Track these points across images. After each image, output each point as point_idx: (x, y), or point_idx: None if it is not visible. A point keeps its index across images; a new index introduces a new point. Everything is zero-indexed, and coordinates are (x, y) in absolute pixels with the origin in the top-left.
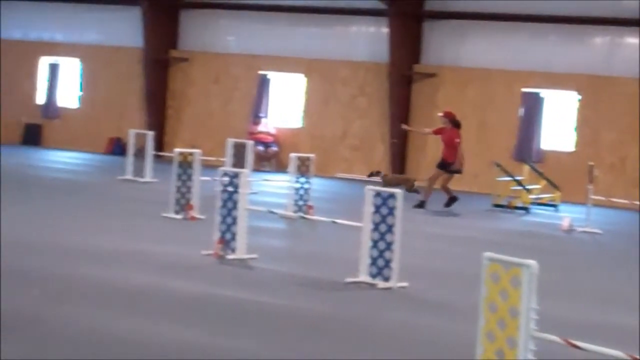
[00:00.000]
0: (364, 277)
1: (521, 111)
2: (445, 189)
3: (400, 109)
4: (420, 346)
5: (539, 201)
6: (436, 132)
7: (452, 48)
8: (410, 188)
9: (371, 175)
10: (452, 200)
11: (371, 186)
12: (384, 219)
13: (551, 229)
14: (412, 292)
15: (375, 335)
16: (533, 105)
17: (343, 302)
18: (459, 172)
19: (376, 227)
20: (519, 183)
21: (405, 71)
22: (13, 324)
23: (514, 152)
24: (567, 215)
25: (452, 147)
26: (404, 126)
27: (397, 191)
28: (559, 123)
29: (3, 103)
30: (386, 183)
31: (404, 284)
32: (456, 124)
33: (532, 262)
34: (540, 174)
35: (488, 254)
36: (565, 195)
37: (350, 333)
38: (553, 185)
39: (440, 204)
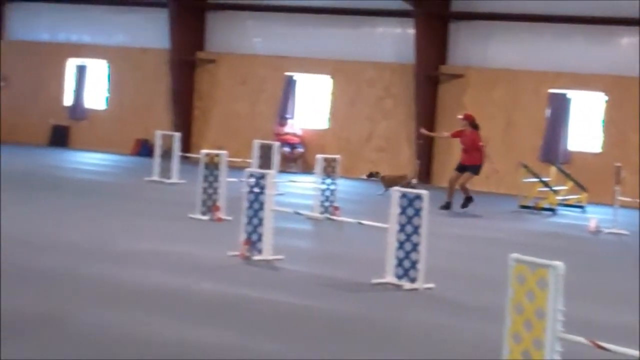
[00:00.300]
0: (390, 279)
1: (548, 112)
2: (464, 189)
3: (426, 110)
4: (447, 347)
5: (565, 202)
6: (454, 135)
7: (478, 49)
8: (407, 186)
9: (370, 175)
10: (468, 200)
11: (397, 187)
12: (410, 220)
13: (578, 230)
14: (439, 293)
15: (402, 336)
16: (560, 106)
17: (369, 303)
18: (477, 173)
19: (402, 228)
20: (546, 184)
21: (431, 72)
22: (37, 325)
23: (540, 153)
24: (594, 217)
25: (476, 149)
26: (422, 131)
27: (424, 192)
28: (586, 124)
29: (31, 104)
30: (384, 183)
31: (431, 285)
32: (476, 127)
33: (558, 264)
34: (567, 175)
35: (514, 255)
36: (592, 197)
37: (376, 334)
38: (580, 187)
39: (470, 205)
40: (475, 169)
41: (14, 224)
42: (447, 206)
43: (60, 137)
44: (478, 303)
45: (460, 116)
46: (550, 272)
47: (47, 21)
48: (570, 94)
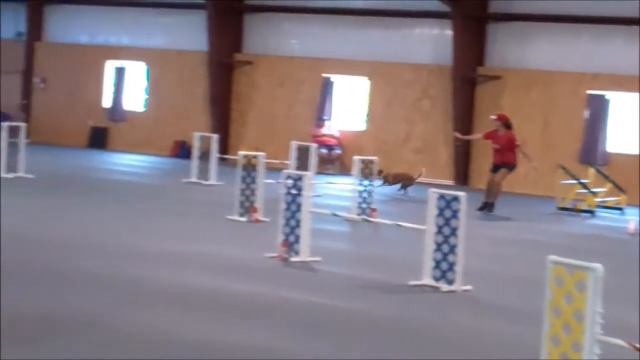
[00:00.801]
0: (427, 280)
1: (586, 113)
2: (496, 189)
3: (464, 111)
4: (484, 350)
5: (604, 204)
6: (487, 136)
7: (516, 50)
8: (410, 184)
9: (379, 173)
10: (490, 205)
11: (435, 189)
12: (447, 221)
13: (617, 232)
14: (476, 295)
15: (439, 338)
16: (598, 107)
17: (406, 305)
18: (512, 170)
19: (440, 230)
20: (584, 186)
21: (469, 73)
22: (78, 326)
23: (579, 155)
24: (633, 219)
25: (511, 150)
26: (456, 134)
27: (461, 194)
28: (625, 125)
29: (70, 106)
30: (388, 181)
31: (468, 287)
32: (509, 127)
33: (597, 266)
34: (606, 177)
35: (552, 257)
36: (630, 198)
37: (413, 336)
38: (619, 188)
39: (507, 207)
40: (510, 166)
41: (52, 226)
42: (484, 207)
43: (98, 139)
44: (516, 305)
45: (493, 116)
46: (588, 274)
47: (86, 23)
48: (608, 95)
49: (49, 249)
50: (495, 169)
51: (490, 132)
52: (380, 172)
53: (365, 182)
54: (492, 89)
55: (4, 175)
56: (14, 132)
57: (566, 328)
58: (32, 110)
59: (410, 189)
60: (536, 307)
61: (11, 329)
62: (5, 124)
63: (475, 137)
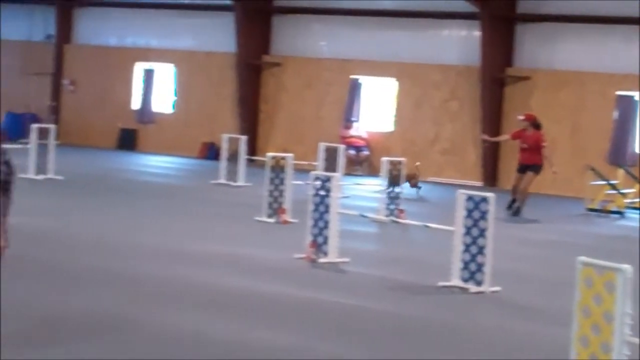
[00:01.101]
0: (456, 281)
1: (615, 114)
2: (524, 192)
3: (492, 112)
4: (513, 350)
5: (633, 205)
6: (514, 136)
7: (545, 51)
8: (417, 182)
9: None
10: (517, 209)
11: (463, 190)
12: (475, 222)
13: None
14: (505, 296)
15: (467, 339)
16: (627, 108)
17: (435, 306)
18: (538, 173)
19: (468, 231)
20: (614, 187)
21: (497, 74)
22: (105, 326)
23: (608, 156)
24: None
25: (538, 150)
26: (484, 137)
27: (490, 195)
28: None
29: (99, 108)
30: (393, 180)
31: (497, 288)
32: (538, 127)
33: (626, 267)
34: (635, 178)
35: (582, 258)
36: None
37: (442, 337)
38: None
39: (536, 208)
40: (537, 169)
41: (82, 227)
42: (511, 204)
43: (128, 141)
44: (545, 306)
45: (520, 117)
46: (618, 275)
47: (115, 26)
48: (638, 96)
49: (79, 249)
50: (522, 168)
51: (519, 131)
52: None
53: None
54: (521, 90)
55: (34, 176)
56: (43, 134)
57: (595, 329)
58: (62, 112)
59: (424, 189)
60: (565, 308)
61: (40, 329)
62: (35, 126)
63: (503, 138)
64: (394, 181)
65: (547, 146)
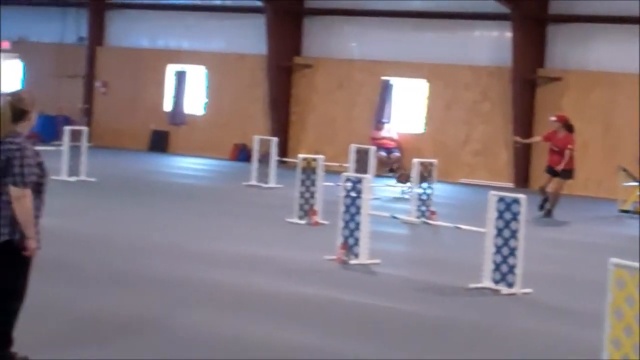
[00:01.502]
0: (487, 283)
1: None
2: (555, 195)
3: (524, 113)
4: (545, 352)
5: None
6: (546, 138)
7: (576, 51)
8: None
9: (391, 171)
10: (548, 211)
11: (494, 191)
12: (507, 224)
13: None
14: (536, 298)
15: (499, 341)
16: None
17: (466, 308)
18: (568, 178)
19: (499, 233)
20: None
21: (529, 75)
22: (139, 328)
23: None
24: None
25: (564, 152)
26: (516, 139)
27: (521, 196)
28: None
29: (131, 110)
30: (400, 180)
31: (528, 290)
32: (570, 128)
33: None
34: None
35: (614, 259)
36: None
37: (473, 339)
38: None
39: (568, 210)
40: (565, 174)
41: (115, 229)
42: (543, 205)
43: (159, 142)
44: (576, 308)
45: (552, 117)
46: None
47: (147, 28)
48: None
49: (110, 251)
50: (550, 171)
51: (550, 133)
52: (391, 170)
53: (425, 185)
54: (553, 90)
55: (66, 178)
56: (76, 136)
57: (627, 331)
58: (94, 114)
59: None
60: (597, 309)
61: (73, 330)
62: (67, 128)
63: (535, 140)
64: (400, 180)
65: (572, 149)
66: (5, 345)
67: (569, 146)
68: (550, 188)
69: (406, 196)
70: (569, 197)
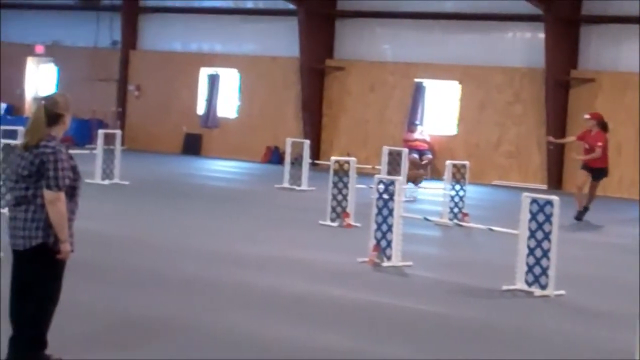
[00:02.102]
0: (520, 285)
1: None
2: (590, 196)
3: (557, 115)
4: (577, 354)
5: None
6: (580, 138)
7: (610, 52)
8: (421, 180)
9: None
10: (584, 211)
11: (527, 193)
12: (540, 226)
13: None
14: (570, 300)
15: (533, 343)
16: None
17: (499, 310)
18: (604, 176)
19: (532, 235)
20: None
21: (562, 77)
22: (171, 330)
23: None
24: None
25: (603, 152)
26: (550, 139)
27: (554, 198)
28: None
29: (164, 113)
30: (408, 180)
31: (561, 292)
32: (604, 127)
33: None
34: None
35: None
36: None
37: (507, 341)
38: None
39: (600, 211)
40: (599, 173)
41: (148, 231)
42: (581, 215)
43: (192, 145)
44: (610, 310)
45: (587, 116)
46: None
47: (180, 31)
48: None
49: (144, 253)
50: (587, 169)
51: (584, 132)
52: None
53: (457, 187)
54: (586, 92)
55: (100, 182)
56: (109, 139)
57: None
58: (127, 117)
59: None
60: (631, 311)
61: (110, 332)
62: (101, 132)
63: (569, 140)
64: (411, 180)
65: (601, 146)
66: (39, 348)
67: (599, 143)
68: (587, 190)
69: (411, 198)
70: (602, 199)
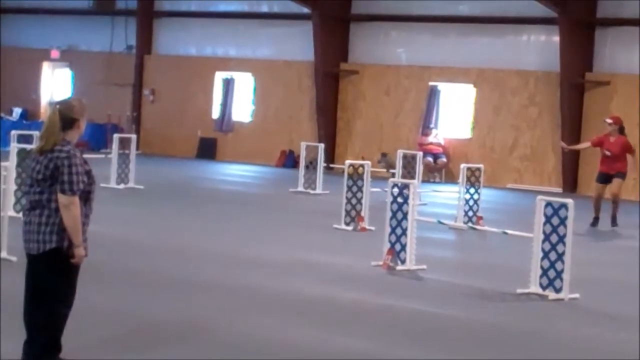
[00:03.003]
0: (534, 288)
1: None
2: (615, 201)
3: (572, 118)
4: (592, 358)
5: None
6: (596, 144)
7: (625, 55)
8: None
9: (384, 155)
10: (615, 218)
11: (542, 196)
12: (555, 229)
13: None
14: (584, 303)
15: (547, 346)
16: None
17: (514, 314)
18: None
19: (547, 238)
20: None
21: (577, 80)
22: (189, 334)
23: None
24: None
25: (624, 156)
26: (562, 144)
27: (569, 201)
28: None
29: (179, 117)
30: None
31: (576, 295)
32: (623, 131)
33: None
34: None
35: None
36: None
37: (521, 344)
38: None
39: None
40: (623, 175)
41: (164, 236)
42: (595, 222)
43: (207, 149)
44: (625, 314)
45: (608, 120)
46: None
47: (194, 36)
48: None
49: (158, 258)
50: (604, 178)
51: (600, 138)
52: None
53: (472, 190)
54: (601, 95)
55: (115, 186)
56: (124, 143)
57: None
58: (142, 122)
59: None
60: None
61: (125, 336)
62: (116, 136)
63: (583, 146)
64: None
65: (633, 152)
66: (54, 352)
67: (633, 149)
68: (609, 194)
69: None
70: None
